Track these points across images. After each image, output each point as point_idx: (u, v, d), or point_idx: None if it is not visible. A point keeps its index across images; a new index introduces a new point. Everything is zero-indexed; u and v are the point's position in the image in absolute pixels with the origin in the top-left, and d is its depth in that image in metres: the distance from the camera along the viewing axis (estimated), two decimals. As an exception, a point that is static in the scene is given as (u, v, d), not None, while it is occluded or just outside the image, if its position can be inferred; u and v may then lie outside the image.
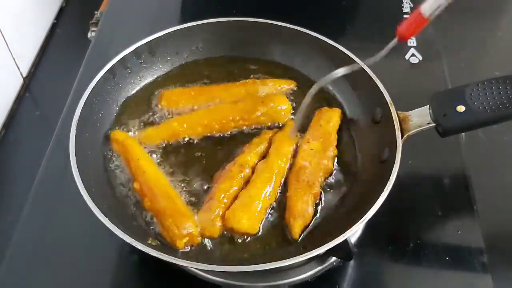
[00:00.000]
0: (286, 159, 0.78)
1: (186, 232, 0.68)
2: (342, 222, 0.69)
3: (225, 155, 0.79)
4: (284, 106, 0.83)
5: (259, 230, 0.71)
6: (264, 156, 0.78)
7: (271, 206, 0.74)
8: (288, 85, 0.88)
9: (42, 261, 0.75)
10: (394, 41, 0.68)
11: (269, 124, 0.83)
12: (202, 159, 0.79)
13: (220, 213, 0.71)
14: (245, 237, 0.70)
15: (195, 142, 0.80)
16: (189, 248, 0.69)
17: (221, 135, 0.81)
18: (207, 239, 0.70)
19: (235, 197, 0.73)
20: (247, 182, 0.75)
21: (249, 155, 0.77)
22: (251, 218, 0.70)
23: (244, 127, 0.82)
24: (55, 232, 0.78)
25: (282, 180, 0.76)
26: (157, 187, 0.72)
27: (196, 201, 0.74)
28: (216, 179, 0.76)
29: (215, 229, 0.70)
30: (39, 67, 1.16)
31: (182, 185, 0.75)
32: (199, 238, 0.69)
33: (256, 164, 0.77)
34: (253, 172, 0.76)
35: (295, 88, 0.88)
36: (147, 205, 0.71)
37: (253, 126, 0.83)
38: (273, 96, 0.85)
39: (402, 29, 0.68)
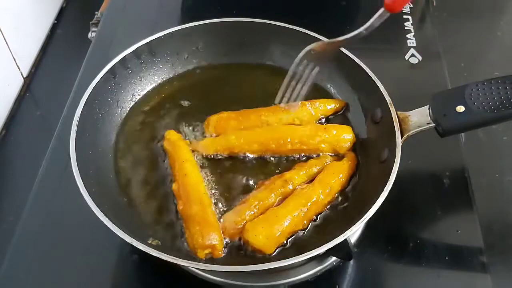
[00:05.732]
0: (329, 192, 0.74)
1: (209, 243, 0.67)
2: (342, 222, 0.69)
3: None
4: (348, 136, 0.79)
5: (274, 252, 0.69)
6: (313, 179, 0.75)
7: (295, 234, 0.71)
8: (339, 105, 0.86)
9: (42, 261, 0.75)
10: (382, 11, 0.73)
11: (329, 153, 0.80)
12: (249, 175, 0.77)
13: (247, 218, 0.70)
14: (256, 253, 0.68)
15: (247, 158, 0.79)
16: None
17: (277, 158, 0.79)
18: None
19: (267, 208, 0.72)
20: (284, 198, 0.73)
21: (298, 173, 0.75)
22: (269, 237, 0.68)
23: (301, 153, 0.79)
24: (55, 232, 0.78)
25: (318, 213, 0.73)
26: (193, 192, 0.72)
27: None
28: (258, 186, 0.75)
29: (236, 232, 0.69)
30: (40, 67, 1.16)
31: (220, 195, 0.75)
32: (221, 252, 0.68)
33: (301, 184, 0.75)
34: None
35: (346, 108, 0.86)
36: (179, 208, 0.71)
37: (311, 154, 0.80)
38: (338, 125, 0.81)
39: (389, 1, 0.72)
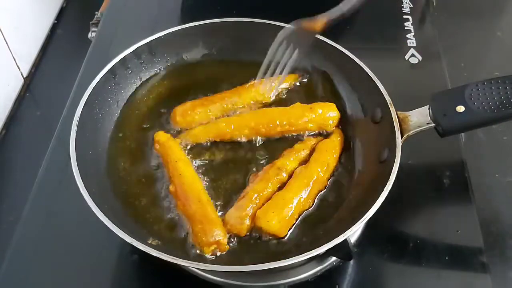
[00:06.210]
0: (327, 168, 0.77)
1: (214, 240, 0.67)
2: (342, 222, 0.69)
3: (265, 159, 0.79)
4: (333, 114, 0.82)
5: (287, 234, 0.71)
6: (304, 163, 0.78)
7: (303, 213, 0.73)
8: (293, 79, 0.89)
9: (42, 261, 0.75)
10: None
11: (316, 131, 0.83)
12: (241, 162, 0.79)
13: (250, 212, 0.71)
14: (271, 238, 0.71)
15: (236, 143, 0.81)
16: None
17: (265, 139, 0.82)
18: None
19: (267, 199, 0.73)
20: (281, 186, 0.75)
21: (288, 159, 0.77)
22: (281, 221, 0.70)
23: (290, 133, 0.82)
24: (55, 232, 0.78)
25: (320, 190, 0.76)
26: (191, 191, 0.72)
27: (228, 204, 0.74)
28: (252, 179, 0.76)
29: (243, 228, 0.70)
30: (40, 67, 1.16)
31: (215, 185, 0.76)
32: (227, 247, 0.69)
33: (294, 169, 0.77)
34: (289, 177, 0.76)
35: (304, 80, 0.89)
36: (180, 208, 0.72)
37: (299, 133, 0.82)
38: (322, 103, 0.84)
39: None
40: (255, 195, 0.72)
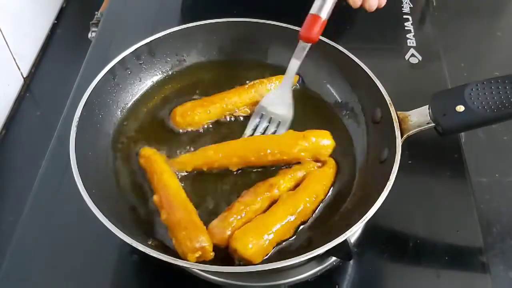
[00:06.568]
0: (315, 199, 0.73)
1: (199, 246, 0.65)
2: (342, 222, 0.69)
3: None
4: (327, 142, 0.78)
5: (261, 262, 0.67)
6: (298, 185, 0.75)
7: (281, 243, 0.70)
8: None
9: (42, 261, 0.75)
10: (302, 45, 0.79)
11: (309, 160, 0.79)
12: (232, 185, 0.77)
13: (234, 223, 0.69)
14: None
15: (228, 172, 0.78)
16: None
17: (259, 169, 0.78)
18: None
19: (255, 213, 0.71)
20: (271, 204, 0.72)
21: (283, 178, 0.74)
22: (258, 247, 0.66)
23: (281, 163, 0.78)
24: (55, 232, 0.78)
25: (303, 221, 0.72)
26: (176, 200, 0.70)
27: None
28: (243, 194, 0.74)
29: (225, 238, 0.68)
30: (40, 67, 1.16)
31: (205, 207, 0.74)
32: (212, 254, 0.66)
33: (288, 189, 0.74)
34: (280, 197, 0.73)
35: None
36: (163, 217, 0.70)
37: (291, 162, 0.78)
38: (316, 131, 0.79)
39: (306, 33, 0.78)
40: (242, 207, 0.70)
